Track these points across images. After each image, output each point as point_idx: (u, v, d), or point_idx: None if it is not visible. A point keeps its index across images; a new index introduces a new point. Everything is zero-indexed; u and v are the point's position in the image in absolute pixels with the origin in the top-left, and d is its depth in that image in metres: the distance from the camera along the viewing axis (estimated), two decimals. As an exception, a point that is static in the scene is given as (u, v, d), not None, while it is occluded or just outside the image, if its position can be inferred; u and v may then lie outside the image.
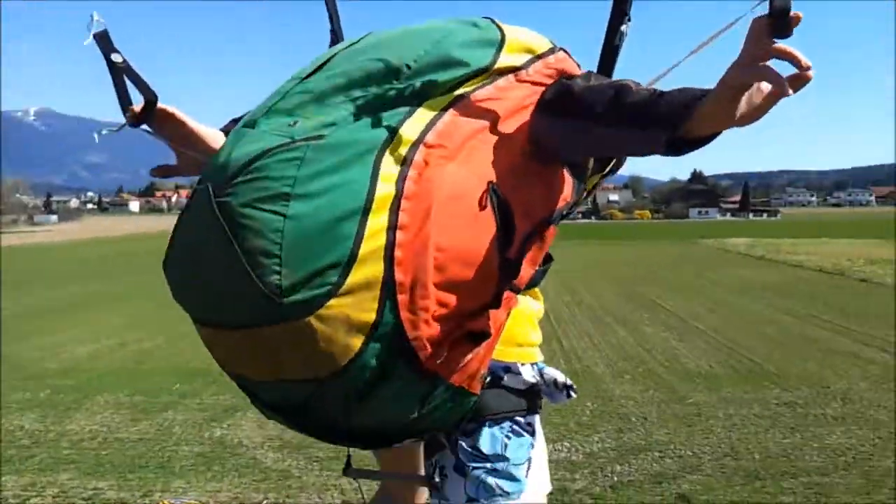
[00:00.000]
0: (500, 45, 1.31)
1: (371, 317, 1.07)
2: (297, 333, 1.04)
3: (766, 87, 1.01)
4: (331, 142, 1.10)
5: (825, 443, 11.31)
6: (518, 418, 1.47)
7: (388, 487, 1.75)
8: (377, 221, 1.06)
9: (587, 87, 1.26)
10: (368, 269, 1.05)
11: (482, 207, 1.17)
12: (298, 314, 1.03)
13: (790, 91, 0.99)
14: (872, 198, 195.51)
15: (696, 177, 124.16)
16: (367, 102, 1.18)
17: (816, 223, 71.41)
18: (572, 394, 1.58)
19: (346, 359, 1.07)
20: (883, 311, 27.22)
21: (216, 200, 1.05)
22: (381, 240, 1.06)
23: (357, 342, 1.07)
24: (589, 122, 1.22)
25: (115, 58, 1.32)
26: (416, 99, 1.19)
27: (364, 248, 1.05)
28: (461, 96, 1.23)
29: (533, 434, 1.50)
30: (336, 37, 1.75)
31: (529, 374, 1.50)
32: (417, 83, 1.20)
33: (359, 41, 1.35)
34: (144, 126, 1.35)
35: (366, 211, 1.06)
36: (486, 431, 1.44)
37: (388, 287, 1.07)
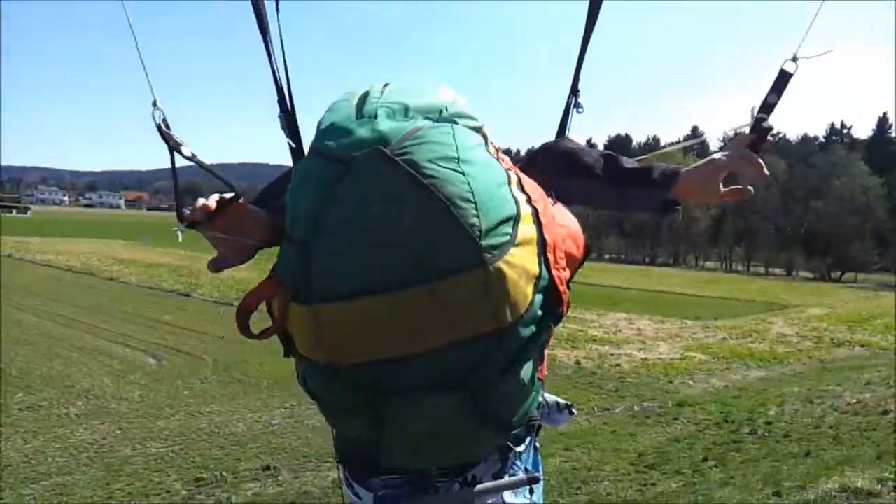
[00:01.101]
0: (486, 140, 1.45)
1: (536, 269, 1.26)
2: (492, 278, 1.17)
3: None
4: (462, 127, 1.32)
5: (69, 441, 12.60)
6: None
7: None
8: (519, 194, 1.32)
9: (581, 149, 1.62)
10: (527, 228, 1.27)
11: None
12: (494, 258, 1.17)
13: (761, 180, 1.46)
14: (122, 201, 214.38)
15: None
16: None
17: (69, 222, 75.95)
18: (574, 412, 1.87)
19: (524, 307, 1.23)
20: (128, 307, 30.65)
21: (400, 158, 1.18)
22: (528, 207, 1.30)
23: (530, 291, 1.24)
24: (592, 181, 1.57)
25: (185, 150, 1.32)
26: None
27: (521, 211, 1.26)
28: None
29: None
30: (291, 117, 1.72)
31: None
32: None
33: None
34: (203, 227, 1.30)
35: (509, 182, 1.31)
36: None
37: (541, 245, 1.29)
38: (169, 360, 23.46)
